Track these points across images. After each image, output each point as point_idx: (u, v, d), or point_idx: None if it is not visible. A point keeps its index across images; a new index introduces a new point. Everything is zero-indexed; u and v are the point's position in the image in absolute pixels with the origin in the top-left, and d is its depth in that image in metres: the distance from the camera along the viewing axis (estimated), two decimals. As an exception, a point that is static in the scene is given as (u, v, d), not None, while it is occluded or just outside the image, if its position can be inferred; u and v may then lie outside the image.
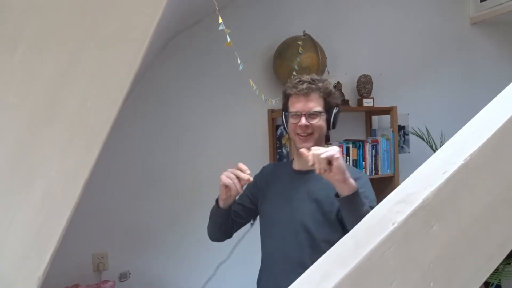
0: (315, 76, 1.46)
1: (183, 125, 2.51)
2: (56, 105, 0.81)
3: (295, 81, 1.45)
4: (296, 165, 1.54)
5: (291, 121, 1.45)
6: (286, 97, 1.49)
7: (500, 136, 0.60)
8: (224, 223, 1.54)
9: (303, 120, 1.40)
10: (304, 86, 1.41)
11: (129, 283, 2.39)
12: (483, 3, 3.14)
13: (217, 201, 1.51)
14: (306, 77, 1.45)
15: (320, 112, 1.42)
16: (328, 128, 1.47)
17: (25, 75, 0.81)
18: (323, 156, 1.18)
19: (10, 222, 0.79)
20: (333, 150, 1.20)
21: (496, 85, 1.10)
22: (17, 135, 0.81)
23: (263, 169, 1.68)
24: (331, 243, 0.60)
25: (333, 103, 1.46)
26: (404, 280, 0.55)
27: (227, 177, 1.34)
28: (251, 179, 1.32)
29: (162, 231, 2.47)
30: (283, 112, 1.50)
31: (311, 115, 1.41)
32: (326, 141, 2.62)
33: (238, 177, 1.32)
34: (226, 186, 1.35)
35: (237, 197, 1.51)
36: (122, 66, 0.83)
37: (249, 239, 2.46)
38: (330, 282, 0.52)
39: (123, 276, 2.38)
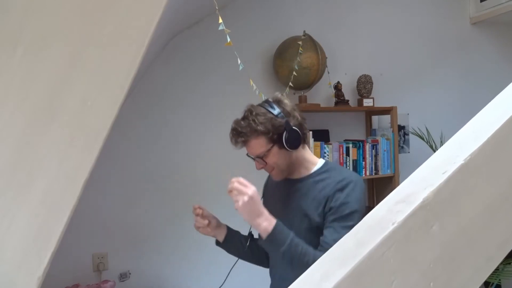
0: (240, 121, 1.37)
1: (183, 125, 2.51)
2: (56, 105, 0.81)
3: (230, 134, 1.39)
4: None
5: None
6: None
7: (500, 136, 0.60)
8: (250, 256, 1.58)
9: (256, 165, 1.41)
10: (233, 141, 1.37)
11: (129, 283, 2.39)
12: (483, 3, 3.14)
13: (217, 242, 1.60)
14: (233, 127, 1.37)
15: (263, 155, 1.36)
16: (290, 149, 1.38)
17: (25, 75, 0.81)
18: (233, 196, 1.25)
19: (10, 222, 0.79)
20: (237, 200, 1.23)
21: (496, 85, 1.10)
22: (17, 135, 0.81)
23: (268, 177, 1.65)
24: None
25: (276, 131, 1.34)
26: (404, 280, 0.55)
27: (195, 223, 1.53)
28: (201, 211, 1.51)
29: (162, 231, 2.47)
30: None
31: (258, 158, 1.38)
32: (326, 141, 2.63)
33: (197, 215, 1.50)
34: (200, 228, 1.52)
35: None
36: (122, 66, 0.83)
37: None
38: (330, 282, 0.52)
39: (123, 276, 2.38)
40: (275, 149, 1.35)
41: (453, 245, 0.57)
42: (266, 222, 1.24)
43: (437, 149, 1.22)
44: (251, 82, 1.99)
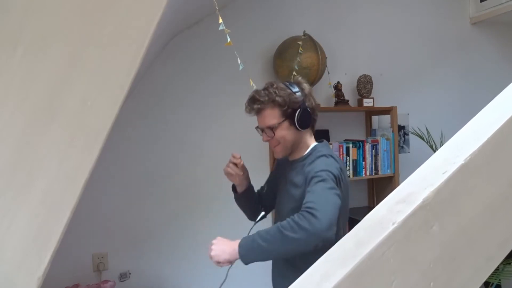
0: (265, 88, 1.45)
1: (183, 125, 2.51)
2: (56, 105, 0.81)
3: (246, 102, 1.48)
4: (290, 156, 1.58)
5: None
6: None
7: (500, 136, 0.60)
8: (247, 206, 1.68)
9: (264, 137, 1.49)
10: (248, 108, 1.46)
11: (129, 283, 2.39)
12: (483, 3, 3.14)
13: (234, 188, 1.66)
14: (253, 95, 1.45)
15: (274, 126, 1.43)
16: (299, 129, 1.45)
17: (25, 75, 0.81)
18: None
19: (10, 222, 0.79)
20: (208, 253, 1.35)
21: (496, 85, 1.10)
22: (17, 135, 0.81)
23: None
24: None
25: (291, 107, 1.42)
26: (404, 280, 0.55)
27: (226, 167, 1.56)
28: (241, 161, 1.56)
29: (162, 231, 2.47)
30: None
31: (268, 130, 1.45)
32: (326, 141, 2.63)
33: (235, 164, 1.55)
34: (231, 175, 1.56)
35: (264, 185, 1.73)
36: (122, 66, 0.83)
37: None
38: (330, 282, 0.52)
39: (123, 276, 2.38)
40: (286, 124, 1.44)
41: (453, 245, 0.57)
42: (230, 247, 1.30)
43: (437, 149, 1.22)
44: (251, 82, 1.99)
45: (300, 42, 2.44)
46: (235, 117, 2.61)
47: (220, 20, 1.54)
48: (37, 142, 0.81)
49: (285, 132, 1.44)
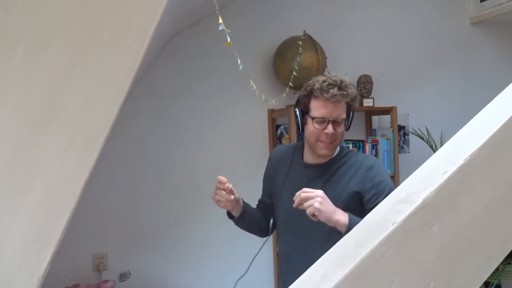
0: (344, 80, 1.38)
1: (183, 125, 2.51)
2: (56, 105, 0.81)
3: (325, 85, 1.34)
4: (309, 158, 1.49)
5: (315, 126, 1.37)
6: (309, 97, 1.40)
7: (500, 136, 0.60)
8: (251, 226, 1.59)
9: (330, 128, 1.35)
10: (337, 93, 1.33)
11: (129, 283, 2.39)
12: (483, 3, 3.14)
13: (229, 215, 1.56)
14: (335, 81, 1.35)
15: (345, 119, 1.39)
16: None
17: (25, 75, 0.81)
18: (306, 208, 1.24)
19: (10, 222, 0.79)
20: (312, 205, 1.22)
21: (496, 85, 1.10)
22: (17, 135, 0.81)
23: (271, 157, 1.65)
24: None
25: (353, 107, 1.43)
26: (404, 280, 0.55)
27: (214, 195, 1.43)
28: (229, 185, 1.41)
29: (162, 231, 2.47)
30: (302, 113, 1.43)
31: (338, 122, 1.37)
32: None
33: (223, 189, 1.41)
34: (221, 202, 1.43)
35: (261, 196, 1.64)
36: (122, 66, 0.83)
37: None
38: (330, 282, 0.52)
39: (123, 276, 2.38)
40: (346, 122, 1.42)
41: (453, 245, 0.57)
42: (343, 216, 1.26)
43: (437, 149, 1.22)
44: (251, 82, 1.99)
45: (300, 42, 2.44)
46: (235, 117, 2.61)
47: (220, 20, 1.54)
48: (37, 142, 0.81)
49: (342, 129, 1.41)
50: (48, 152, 0.81)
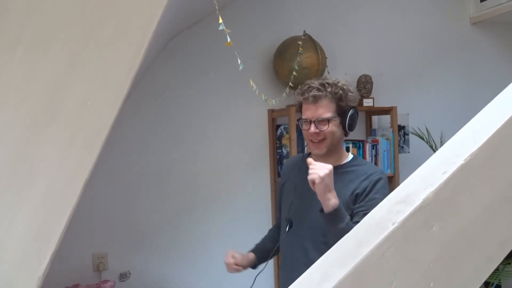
0: (326, 80, 1.44)
1: (183, 125, 2.51)
2: (56, 105, 0.81)
3: (305, 87, 1.44)
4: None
5: (304, 127, 1.46)
6: (299, 103, 1.50)
7: (500, 136, 0.60)
8: (271, 255, 1.62)
9: (312, 128, 1.42)
10: (311, 93, 1.40)
11: (129, 283, 2.39)
12: (483, 3, 3.14)
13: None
14: (315, 83, 1.42)
15: (329, 118, 1.41)
16: (345, 131, 1.47)
17: (25, 75, 0.81)
18: (308, 177, 1.30)
19: (10, 222, 0.79)
20: (317, 172, 1.28)
21: (496, 85, 1.10)
22: (17, 135, 0.81)
23: (282, 169, 1.73)
24: None
25: (347, 105, 1.44)
26: (404, 280, 0.55)
27: (229, 270, 1.58)
28: (233, 260, 1.55)
29: (162, 231, 2.47)
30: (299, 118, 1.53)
31: (320, 121, 1.41)
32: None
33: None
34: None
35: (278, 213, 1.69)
36: (122, 66, 0.83)
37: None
38: (330, 282, 0.52)
39: (123, 276, 2.38)
40: (337, 121, 1.43)
41: (453, 245, 0.57)
42: (335, 199, 1.30)
43: (437, 149, 1.22)
44: (251, 82, 1.99)
45: (300, 42, 2.44)
46: (235, 117, 2.61)
47: (220, 20, 1.54)
48: (37, 142, 0.81)
49: (335, 128, 1.43)
50: (48, 152, 0.81)
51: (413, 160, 2.94)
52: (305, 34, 2.52)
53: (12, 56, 0.80)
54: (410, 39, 3.08)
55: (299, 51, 2.43)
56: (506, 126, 0.60)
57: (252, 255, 1.61)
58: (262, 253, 1.63)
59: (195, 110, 2.53)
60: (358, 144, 2.63)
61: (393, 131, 2.72)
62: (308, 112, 1.43)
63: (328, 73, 2.68)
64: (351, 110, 1.45)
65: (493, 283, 2.75)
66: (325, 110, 1.41)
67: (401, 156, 2.89)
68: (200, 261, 2.53)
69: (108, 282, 2.19)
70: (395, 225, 0.55)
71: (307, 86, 1.43)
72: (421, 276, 0.55)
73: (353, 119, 1.47)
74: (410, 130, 3.05)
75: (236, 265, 1.54)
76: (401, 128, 3.03)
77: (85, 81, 0.82)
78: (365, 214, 1.35)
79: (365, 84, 2.76)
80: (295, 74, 2.40)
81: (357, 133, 2.89)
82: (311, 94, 1.40)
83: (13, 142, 0.80)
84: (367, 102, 2.75)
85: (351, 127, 1.48)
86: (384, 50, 3.00)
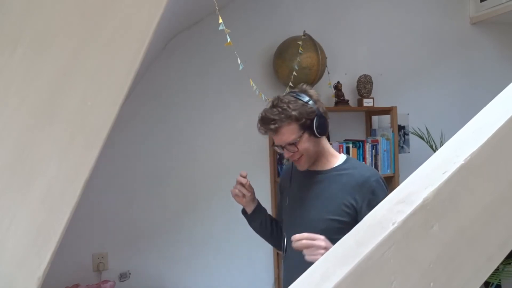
0: (278, 104, 1.38)
1: (183, 125, 2.51)
2: (56, 105, 0.81)
3: (261, 121, 1.41)
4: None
5: (278, 151, 1.48)
6: None
7: (500, 136, 0.60)
8: (264, 231, 1.62)
9: (286, 153, 1.43)
10: (268, 127, 1.39)
11: (129, 283, 2.39)
12: (483, 3, 3.14)
13: (243, 212, 1.61)
14: (267, 115, 1.38)
15: (295, 141, 1.38)
16: (318, 137, 1.43)
17: (25, 75, 0.81)
18: (307, 257, 1.22)
19: (10, 222, 0.79)
20: (317, 255, 1.18)
21: (496, 85, 1.10)
22: (17, 135, 0.81)
23: (283, 170, 1.74)
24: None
25: (308, 118, 1.38)
26: (404, 280, 0.54)
27: (234, 189, 1.52)
28: (248, 181, 1.50)
29: (162, 231, 2.47)
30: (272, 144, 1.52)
31: (289, 145, 1.40)
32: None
33: (240, 183, 1.50)
34: (238, 196, 1.52)
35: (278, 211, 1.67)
36: (122, 66, 0.83)
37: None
38: (330, 282, 0.52)
39: (123, 276, 2.38)
40: (306, 135, 1.40)
41: (453, 245, 0.57)
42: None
43: (437, 149, 1.22)
44: (251, 82, 1.99)
45: (300, 42, 2.44)
46: (235, 117, 2.61)
47: (220, 20, 1.54)
48: (37, 142, 0.81)
49: (307, 144, 1.40)
50: (48, 152, 0.81)
51: (413, 160, 2.94)
52: (305, 34, 2.52)
53: (12, 56, 0.80)
54: (410, 39, 3.08)
55: (299, 51, 2.43)
56: (506, 126, 0.60)
57: (256, 199, 1.59)
58: (265, 218, 1.61)
59: (195, 110, 2.53)
60: (358, 144, 2.64)
61: (393, 131, 2.73)
62: (275, 140, 1.43)
63: (328, 73, 2.68)
64: (315, 118, 1.39)
65: (493, 283, 2.75)
66: (288, 134, 1.38)
67: (401, 156, 2.90)
68: (200, 261, 2.53)
69: (108, 282, 2.19)
70: (395, 225, 0.55)
71: (262, 119, 1.41)
72: (421, 276, 0.55)
73: (321, 125, 1.41)
74: (410, 130, 3.05)
75: (245, 188, 1.50)
76: (401, 128, 3.03)
77: (85, 81, 0.82)
78: None
79: (365, 84, 2.77)
80: (295, 74, 2.40)
81: (357, 133, 2.90)
82: (268, 128, 1.39)
83: (13, 142, 0.80)
84: (367, 102, 2.76)
85: (323, 132, 1.44)
86: (384, 50, 3.00)
